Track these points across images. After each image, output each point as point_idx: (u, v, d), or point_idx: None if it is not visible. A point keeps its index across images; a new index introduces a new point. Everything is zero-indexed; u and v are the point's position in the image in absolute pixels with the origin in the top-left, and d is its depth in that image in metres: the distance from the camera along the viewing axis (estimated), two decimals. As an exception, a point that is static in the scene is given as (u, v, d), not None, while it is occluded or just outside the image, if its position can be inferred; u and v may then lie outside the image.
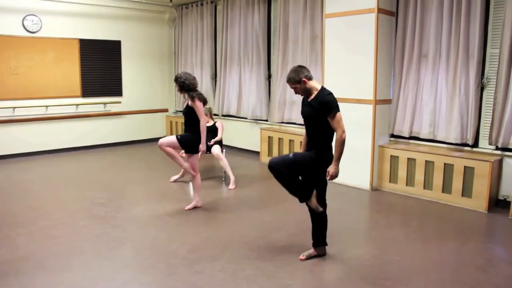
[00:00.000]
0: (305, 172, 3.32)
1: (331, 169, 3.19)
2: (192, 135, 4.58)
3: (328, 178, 3.23)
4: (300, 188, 3.29)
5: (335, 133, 3.23)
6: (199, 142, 4.55)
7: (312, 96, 3.26)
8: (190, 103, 4.51)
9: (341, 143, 3.16)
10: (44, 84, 7.60)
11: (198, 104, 4.46)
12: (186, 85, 4.48)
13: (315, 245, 3.50)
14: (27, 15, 7.28)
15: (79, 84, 8.01)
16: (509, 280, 3.18)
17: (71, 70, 7.88)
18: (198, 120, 4.52)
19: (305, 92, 3.28)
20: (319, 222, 3.44)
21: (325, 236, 3.49)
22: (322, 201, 3.38)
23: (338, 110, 3.18)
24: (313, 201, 3.29)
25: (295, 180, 3.28)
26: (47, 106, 7.64)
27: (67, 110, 7.93)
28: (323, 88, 3.27)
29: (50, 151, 7.77)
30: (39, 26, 7.42)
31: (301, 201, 3.32)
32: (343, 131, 3.17)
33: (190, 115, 4.57)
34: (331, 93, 3.22)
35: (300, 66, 3.29)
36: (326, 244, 3.52)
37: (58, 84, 7.75)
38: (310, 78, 3.26)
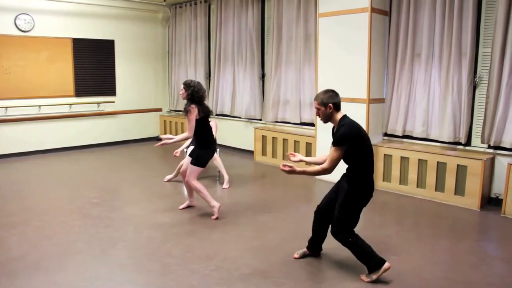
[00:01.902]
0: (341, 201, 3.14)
1: (295, 166, 3.05)
2: (197, 147, 4.45)
3: (283, 168, 3.03)
4: (370, 257, 3.08)
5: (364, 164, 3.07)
6: (204, 153, 4.43)
7: (335, 128, 3.14)
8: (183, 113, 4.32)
9: (317, 173, 3.07)
10: (37, 84, 7.55)
11: (190, 118, 4.27)
12: (194, 96, 4.30)
13: (309, 249, 3.52)
14: (19, 14, 7.23)
15: (72, 83, 7.97)
16: (502, 278, 3.21)
17: (64, 70, 7.84)
18: (201, 129, 4.35)
19: (325, 117, 3.14)
20: (322, 235, 3.43)
21: (322, 243, 3.50)
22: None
23: (343, 145, 2.99)
24: (379, 273, 3.05)
25: (363, 248, 3.10)
26: (40, 106, 7.59)
27: (60, 110, 7.89)
28: (342, 118, 3.10)
29: (43, 151, 7.73)
30: (32, 25, 7.37)
31: (369, 271, 3.10)
32: (329, 168, 3.00)
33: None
34: (346, 124, 3.04)
35: (334, 91, 3.16)
36: (321, 249, 3.54)
37: (51, 83, 7.70)
38: (337, 107, 3.11)
